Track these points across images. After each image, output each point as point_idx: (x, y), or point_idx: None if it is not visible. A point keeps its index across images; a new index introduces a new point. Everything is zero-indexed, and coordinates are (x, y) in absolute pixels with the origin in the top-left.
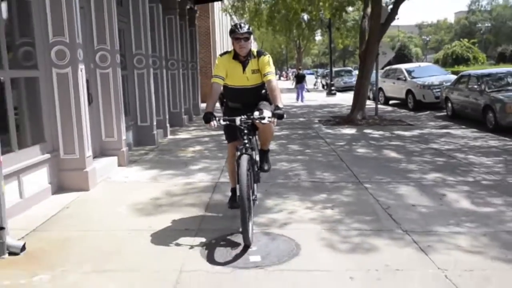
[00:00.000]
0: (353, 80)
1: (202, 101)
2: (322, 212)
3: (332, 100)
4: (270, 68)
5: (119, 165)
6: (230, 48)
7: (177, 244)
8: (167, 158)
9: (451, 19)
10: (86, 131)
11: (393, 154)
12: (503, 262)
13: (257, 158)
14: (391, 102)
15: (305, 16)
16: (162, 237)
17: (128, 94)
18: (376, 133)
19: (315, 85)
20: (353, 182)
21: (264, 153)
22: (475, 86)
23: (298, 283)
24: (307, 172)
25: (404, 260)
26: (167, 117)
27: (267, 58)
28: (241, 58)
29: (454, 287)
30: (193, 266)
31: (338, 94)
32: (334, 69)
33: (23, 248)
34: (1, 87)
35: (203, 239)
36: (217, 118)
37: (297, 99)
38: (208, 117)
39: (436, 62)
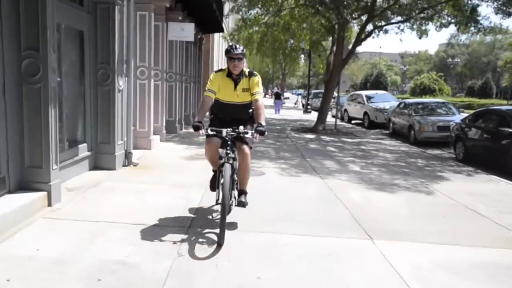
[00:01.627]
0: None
1: None
2: (279, 166)
3: (306, 116)
4: (259, 89)
5: (161, 140)
6: (225, 66)
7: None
8: (187, 140)
9: (434, 50)
10: (151, 116)
11: (331, 149)
12: (360, 182)
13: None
14: (353, 121)
15: (289, 44)
16: (197, 166)
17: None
18: (328, 138)
19: (295, 103)
20: (300, 158)
21: (242, 193)
22: (406, 111)
23: (264, 181)
24: (275, 152)
25: (312, 180)
26: (182, 116)
27: (257, 79)
28: (234, 77)
29: (330, 189)
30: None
31: (313, 112)
32: (313, 91)
33: (137, 164)
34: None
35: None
36: (205, 128)
37: (275, 112)
38: (198, 125)
39: (412, 90)
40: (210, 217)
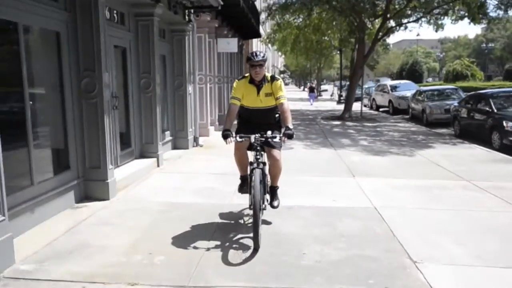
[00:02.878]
0: (360, 92)
1: None
2: (305, 143)
3: (339, 107)
4: (282, 92)
5: (215, 130)
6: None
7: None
8: (233, 129)
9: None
10: (208, 111)
11: (351, 131)
12: (362, 151)
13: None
14: (381, 109)
15: (320, 43)
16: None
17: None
18: (351, 124)
19: (331, 95)
20: (323, 138)
21: (274, 190)
22: (420, 97)
23: (293, 153)
24: (304, 135)
25: (327, 151)
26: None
27: (279, 83)
28: (256, 82)
29: (339, 155)
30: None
31: (355, 104)
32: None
33: (202, 145)
34: (188, 95)
35: None
36: (233, 135)
37: (310, 103)
38: (226, 134)
39: (446, 77)
40: None
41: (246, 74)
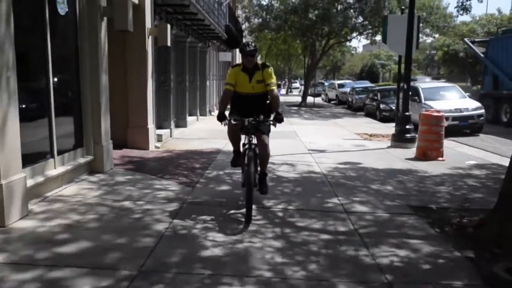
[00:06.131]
0: (321, 89)
1: None
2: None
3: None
4: (273, 79)
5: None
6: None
7: None
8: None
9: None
10: (214, 98)
11: (301, 112)
12: (303, 121)
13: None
14: (332, 102)
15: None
16: None
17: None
18: (304, 109)
19: (299, 91)
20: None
21: (263, 177)
22: (352, 93)
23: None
24: None
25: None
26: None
27: (270, 71)
28: (248, 70)
29: (290, 124)
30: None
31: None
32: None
33: (213, 115)
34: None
35: None
36: (228, 118)
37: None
38: (222, 116)
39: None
40: None
41: (239, 62)
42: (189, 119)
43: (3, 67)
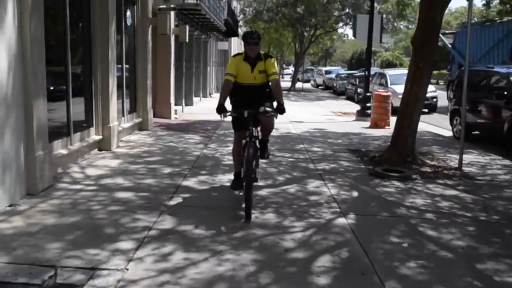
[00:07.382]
0: (310, 75)
1: None
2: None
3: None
4: (275, 69)
5: (215, 92)
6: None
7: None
8: None
9: None
10: (213, 83)
11: (290, 96)
12: (293, 102)
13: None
14: (319, 87)
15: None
16: None
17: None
18: (293, 93)
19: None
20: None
21: (264, 144)
22: (337, 79)
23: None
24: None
25: None
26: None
27: (272, 61)
28: (251, 60)
29: None
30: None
31: (298, 83)
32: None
33: (212, 96)
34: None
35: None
36: (227, 111)
37: None
38: (221, 109)
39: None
40: None
41: (241, 51)
42: (195, 99)
43: (111, 61)
